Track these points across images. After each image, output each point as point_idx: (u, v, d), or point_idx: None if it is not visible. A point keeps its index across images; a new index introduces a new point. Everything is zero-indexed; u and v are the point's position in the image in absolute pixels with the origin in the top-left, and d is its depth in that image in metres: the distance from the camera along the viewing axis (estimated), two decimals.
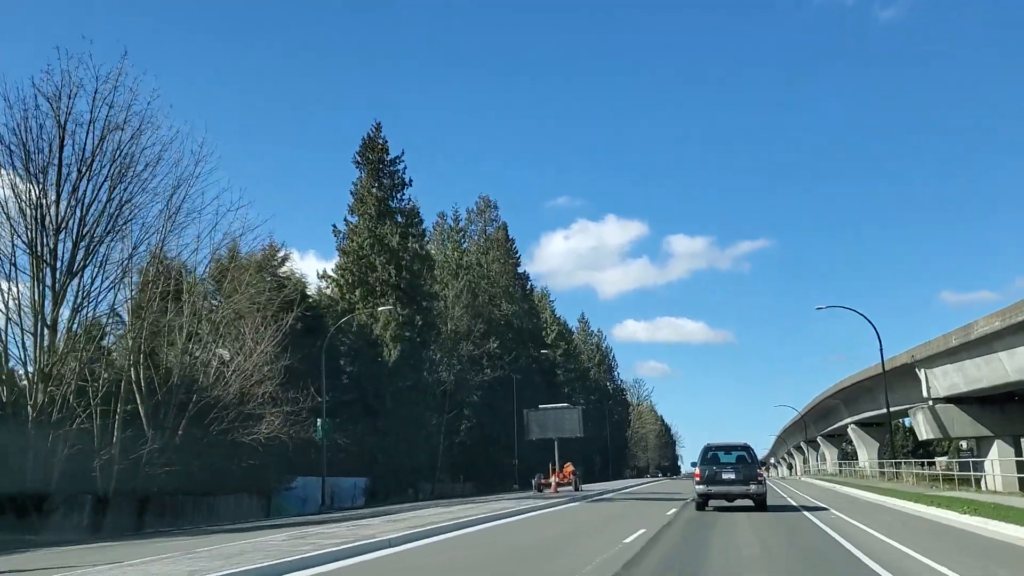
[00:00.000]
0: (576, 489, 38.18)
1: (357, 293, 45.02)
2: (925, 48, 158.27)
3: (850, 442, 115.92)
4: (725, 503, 21.58)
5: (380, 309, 42.41)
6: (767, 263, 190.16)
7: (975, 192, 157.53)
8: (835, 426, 72.96)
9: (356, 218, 46.63)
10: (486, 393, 58.81)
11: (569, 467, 40.47)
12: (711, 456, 21.62)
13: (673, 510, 22.07)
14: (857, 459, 64.25)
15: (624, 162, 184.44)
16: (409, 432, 42.78)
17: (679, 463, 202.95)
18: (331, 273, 46.01)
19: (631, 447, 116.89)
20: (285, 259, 37.91)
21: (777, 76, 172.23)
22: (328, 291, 45.61)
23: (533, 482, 38.82)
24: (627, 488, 46.56)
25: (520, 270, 68.29)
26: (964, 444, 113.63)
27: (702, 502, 21.22)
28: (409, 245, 47.14)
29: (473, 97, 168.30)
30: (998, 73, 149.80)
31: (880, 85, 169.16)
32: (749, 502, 21.07)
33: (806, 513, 20.53)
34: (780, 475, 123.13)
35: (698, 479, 21.08)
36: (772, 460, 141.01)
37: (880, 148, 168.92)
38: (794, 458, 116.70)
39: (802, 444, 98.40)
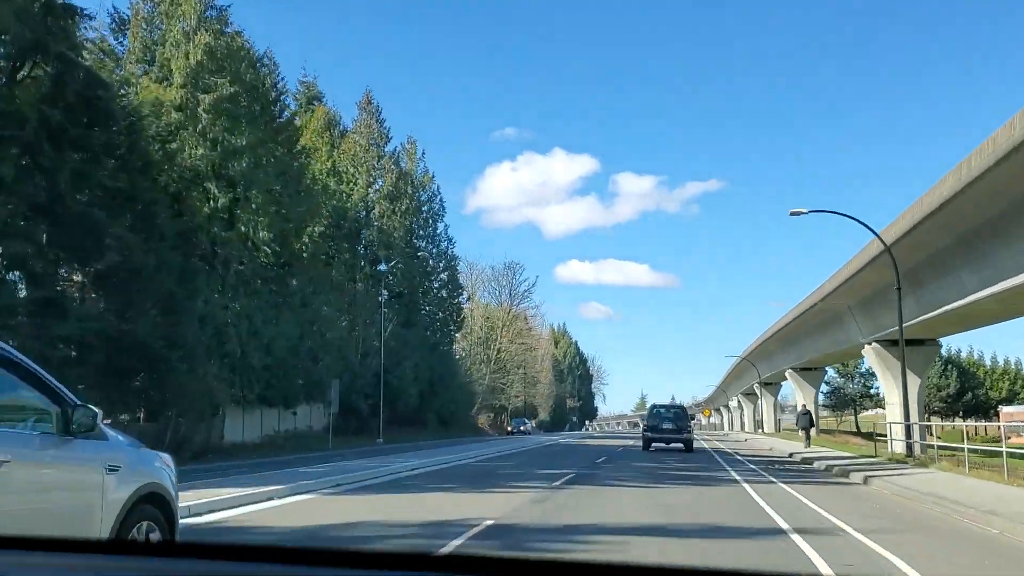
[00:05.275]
0: None
1: None
2: None
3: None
4: (663, 445, 30.37)
5: None
6: (715, 205, 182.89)
7: (937, 131, 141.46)
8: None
9: None
10: None
11: None
12: (655, 412, 30.83)
13: None
14: None
15: (574, 94, 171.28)
16: None
17: (595, 403, 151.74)
18: None
19: (478, 378, 66.26)
20: None
21: (735, 11, 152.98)
22: None
23: None
24: None
25: None
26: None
27: (646, 444, 30.06)
28: None
29: (418, 22, 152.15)
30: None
31: (836, 22, 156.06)
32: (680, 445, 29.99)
33: None
34: (734, 428, 75.49)
35: (645, 428, 30.68)
36: (731, 403, 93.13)
37: (838, 85, 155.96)
38: (745, 404, 68.90)
39: (792, 372, 50.43)
